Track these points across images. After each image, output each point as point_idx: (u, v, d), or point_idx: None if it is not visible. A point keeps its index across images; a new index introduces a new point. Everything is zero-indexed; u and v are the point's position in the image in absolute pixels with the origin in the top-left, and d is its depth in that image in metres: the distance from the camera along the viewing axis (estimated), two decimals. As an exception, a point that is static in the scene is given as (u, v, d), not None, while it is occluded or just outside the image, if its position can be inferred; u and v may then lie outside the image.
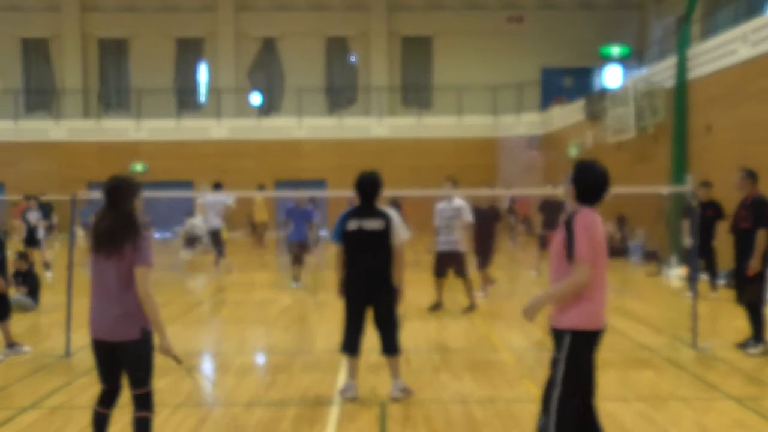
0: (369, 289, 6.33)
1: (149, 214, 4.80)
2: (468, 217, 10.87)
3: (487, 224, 11.97)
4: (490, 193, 13.84)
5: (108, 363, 4.49)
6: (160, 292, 15.85)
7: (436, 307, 10.92)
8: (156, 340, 4.46)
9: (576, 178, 4.32)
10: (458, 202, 10.90)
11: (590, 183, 4.30)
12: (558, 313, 4.30)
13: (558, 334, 4.31)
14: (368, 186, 6.38)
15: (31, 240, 15.62)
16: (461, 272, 10.90)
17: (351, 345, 6.34)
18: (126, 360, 4.43)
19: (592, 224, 4.20)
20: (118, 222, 4.36)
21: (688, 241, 11.71)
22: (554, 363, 4.31)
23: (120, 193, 4.42)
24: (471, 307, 10.85)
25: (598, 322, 4.26)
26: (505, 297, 12.24)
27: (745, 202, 8.21)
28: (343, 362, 7.64)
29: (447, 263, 10.90)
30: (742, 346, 8.12)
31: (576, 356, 4.24)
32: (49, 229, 17.64)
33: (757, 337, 8.00)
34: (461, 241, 10.85)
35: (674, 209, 16.15)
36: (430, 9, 31.93)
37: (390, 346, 6.36)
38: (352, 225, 6.31)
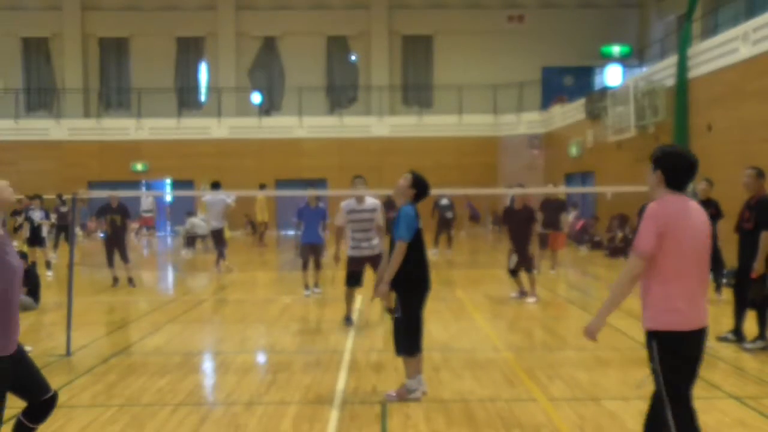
0: (430, 288, 6.39)
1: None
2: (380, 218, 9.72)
3: (521, 226, 11.60)
4: (522, 192, 12.87)
5: None
6: (160, 291, 15.76)
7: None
8: None
9: (660, 163, 3.95)
10: (372, 202, 9.71)
11: (676, 167, 3.92)
12: (643, 312, 3.97)
13: (647, 339, 3.93)
14: (427, 188, 6.34)
15: (36, 239, 15.65)
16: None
17: (420, 343, 6.30)
18: None
19: (664, 212, 3.83)
20: None
21: None
22: (653, 375, 3.92)
23: None
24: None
25: (682, 322, 3.82)
26: (506, 296, 12.21)
27: (750, 202, 8.08)
28: (346, 361, 7.64)
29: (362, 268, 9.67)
30: (738, 340, 8.14)
31: (669, 362, 3.82)
32: (53, 228, 17.69)
33: (761, 334, 8.01)
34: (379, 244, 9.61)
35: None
36: (430, 8, 31.92)
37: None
38: (419, 224, 6.23)
